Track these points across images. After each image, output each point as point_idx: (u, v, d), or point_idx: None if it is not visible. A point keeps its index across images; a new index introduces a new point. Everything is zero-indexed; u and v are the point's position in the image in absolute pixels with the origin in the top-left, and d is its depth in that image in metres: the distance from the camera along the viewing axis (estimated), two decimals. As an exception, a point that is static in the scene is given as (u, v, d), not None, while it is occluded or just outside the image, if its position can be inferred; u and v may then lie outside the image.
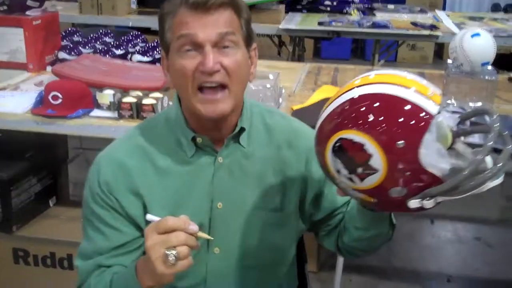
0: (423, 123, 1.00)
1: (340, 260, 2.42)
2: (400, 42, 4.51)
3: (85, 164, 3.56)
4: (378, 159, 1.01)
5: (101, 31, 3.13)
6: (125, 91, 2.24)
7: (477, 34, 2.21)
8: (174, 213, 1.16)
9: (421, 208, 1.05)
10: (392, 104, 1.01)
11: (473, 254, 3.07)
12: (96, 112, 2.19)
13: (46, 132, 2.18)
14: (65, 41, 2.91)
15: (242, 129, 1.28)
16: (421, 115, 1.00)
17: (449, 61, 2.30)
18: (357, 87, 1.05)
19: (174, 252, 1.03)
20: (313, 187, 1.36)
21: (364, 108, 1.02)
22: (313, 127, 1.93)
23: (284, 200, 1.33)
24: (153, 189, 1.26)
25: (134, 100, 2.13)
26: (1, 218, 2.46)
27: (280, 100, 2.30)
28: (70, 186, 2.97)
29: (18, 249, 2.50)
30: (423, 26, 3.68)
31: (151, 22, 3.90)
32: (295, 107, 2.20)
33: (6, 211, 2.45)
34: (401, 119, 1.00)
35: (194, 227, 1.07)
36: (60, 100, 2.14)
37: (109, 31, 3.19)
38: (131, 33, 3.07)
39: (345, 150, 1.04)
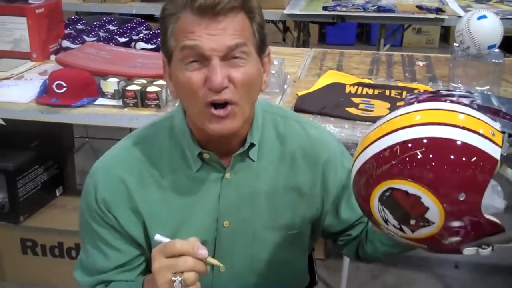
0: (487, 172, 0.90)
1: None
2: (405, 26, 4.48)
3: (91, 152, 3.57)
4: (435, 212, 0.90)
5: (104, 19, 3.11)
6: (129, 79, 2.23)
7: (484, 16, 2.19)
8: (177, 231, 1.16)
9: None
10: (450, 151, 0.90)
11: (481, 239, 3.06)
12: (100, 101, 2.18)
13: (51, 121, 2.17)
14: (68, 29, 2.90)
15: (251, 145, 1.19)
16: (484, 163, 0.90)
17: (456, 44, 2.28)
18: (407, 127, 0.94)
19: (180, 278, 0.99)
20: (330, 200, 1.28)
21: (420, 156, 0.90)
22: (318, 113, 1.95)
23: (295, 218, 1.26)
24: (154, 207, 1.18)
25: (138, 88, 2.12)
26: (8, 208, 2.48)
27: (285, 86, 2.29)
28: (77, 175, 2.98)
29: (26, 239, 2.52)
30: (428, 9, 3.64)
31: (155, 9, 3.88)
32: (300, 93, 2.19)
33: (13, 201, 2.46)
34: (463, 170, 0.89)
35: (203, 251, 1.01)
36: (64, 89, 2.13)
37: (112, 18, 3.18)
38: (135, 21, 3.06)
39: (396, 201, 0.93)
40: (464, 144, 0.90)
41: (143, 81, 2.19)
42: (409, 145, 0.91)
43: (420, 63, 2.65)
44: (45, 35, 2.66)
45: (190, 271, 0.99)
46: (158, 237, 1.06)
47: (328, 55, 2.83)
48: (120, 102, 2.14)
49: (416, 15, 3.60)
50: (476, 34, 2.13)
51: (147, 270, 1.23)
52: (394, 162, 0.92)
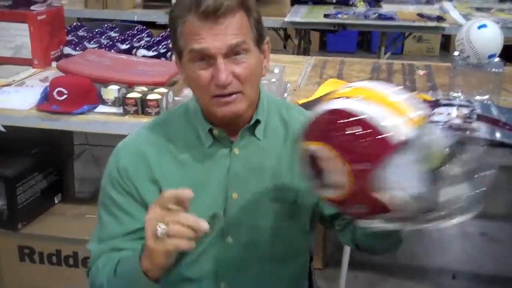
0: (389, 147, 0.99)
1: (346, 257, 2.41)
2: (406, 34, 4.49)
3: (91, 160, 3.57)
4: (343, 177, 1.02)
5: (106, 25, 3.12)
6: (130, 86, 2.23)
7: (484, 26, 2.19)
8: (191, 203, 1.17)
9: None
10: (361, 124, 1.01)
11: (479, 250, 3.06)
12: (101, 108, 2.19)
13: (51, 128, 2.18)
14: (70, 36, 2.91)
15: (257, 121, 1.31)
16: (389, 138, 1.00)
17: (456, 53, 2.28)
18: (341, 98, 1.06)
19: (163, 226, 1.02)
20: None
21: (337, 124, 1.03)
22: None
23: (298, 194, 1.35)
24: (170, 178, 1.29)
25: (139, 95, 2.13)
26: (7, 215, 2.47)
27: (285, 94, 2.29)
28: (76, 183, 2.97)
29: (24, 246, 2.51)
30: (429, 18, 3.65)
31: (157, 16, 3.90)
32: (300, 102, 2.19)
33: (11, 208, 2.45)
34: (367, 141, 1.00)
35: (185, 195, 1.06)
36: (65, 96, 2.14)
37: (114, 25, 3.18)
38: (136, 28, 3.06)
39: (315, 159, 1.06)
40: (371, 119, 1.01)
41: (144, 88, 2.20)
42: (334, 114, 1.04)
43: (421, 72, 2.66)
44: (46, 41, 2.67)
45: (175, 223, 1.04)
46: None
47: (329, 63, 2.83)
48: (120, 110, 2.15)
49: (417, 23, 3.61)
50: (476, 43, 2.14)
51: None
52: (320, 127, 1.07)
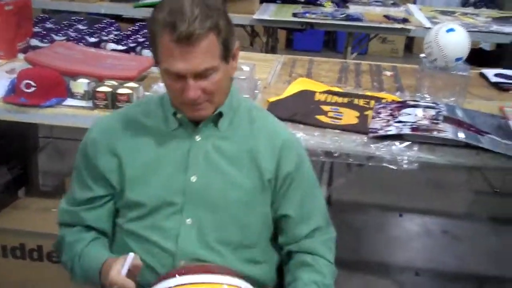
0: None
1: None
2: (372, 35, 4.54)
3: (55, 153, 3.51)
4: None
5: (74, 18, 3.08)
6: (100, 80, 2.21)
7: (452, 30, 2.24)
8: (149, 177, 1.38)
9: None
10: None
11: (441, 247, 3.13)
12: (69, 101, 2.16)
13: (19, 121, 2.14)
14: (37, 27, 2.86)
15: (220, 114, 1.40)
16: None
17: (423, 55, 2.33)
18: None
19: None
20: (277, 189, 1.43)
21: None
22: (289, 119, 1.98)
23: (255, 184, 1.40)
24: (131, 152, 1.40)
25: (109, 89, 2.11)
26: (-29, 208, 2.43)
27: (256, 91, 2.30)
28: (40, 176, 2.93)
29: (-14, 239, 2.46)
30: (395, 19, 3.71)
31: (124, 9, 3.85)
32: (271, 99, 2.21)
33: (-25, 201, 2.41)
34: None
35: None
36: (33, 89, 2.10)
37: (82, 18, 3.14)
38: (105, 21, 3.03)
39: None
40: None
41: (114, 82, 2.18)
42: None
43: (388, 73, 2.70)
44: (13, 32, 2.61)
45: None
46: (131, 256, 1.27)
47: (298, 62, 2.86)
48: (90, 103, 2.13)
49: (383, 25, 3.66)
50: (445, 47, 2.19)
51: (113, 212, 1.47)
52: None
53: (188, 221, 1.39)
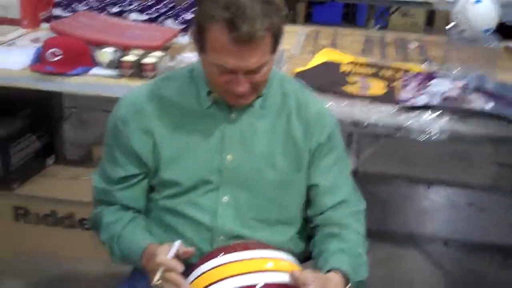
0: None
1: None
2: (393, 9, 4.49)
3: (79, 123, 3.53)
4: None
5: (96, -13, 3.06)
6: (125, 49, 2.21)
7: (479, 1, 2.21)
8: (184, 157, 1.35)
9: None
10: None
11: (467, 219, 3.13)
12: (95, 70, 2.16)
13: (45, 90, 2.15)
14: (59, -3, 2.85)
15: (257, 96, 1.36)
16: None
17: (451, 27, 2.30)
18: (220, 280, 1.16)
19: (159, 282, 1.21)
20: (309, 160, 1.41)
21: None
22: (316, 89, 1.96)
23: (291, 162, 1.39)
24: (166, 132, 1.36)
25: (135, 58, 2.11)
26: (1, 175, 2.45)
27: (282, 63, 2.29)
28: (66, 146, 2.95)
29: (19, 207, 2.50)
30: (418, -8, 3.66)
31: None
32: (297, 70, 2.19)
33: (5, 168, 2.44)
34: None
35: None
36: (59, 57, 2.11)
37: (104, -13, 3.12)
38: (127, -9, 3.00)
39: None
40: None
41: (140, 52, 2.18)
42: None
43: (413, 45, 2.67)
44: (35, 2, 2.61)
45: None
46: (177, 243, 1.26)
47: (321, 33, 2.83)
48: (115, 72, 2.13)
49: (406, -2, 3.61)
50: (472, 18, 2.16)
51: (147, 189, 1.44)
52: None
53: (225, 199, 1.38)
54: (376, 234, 2.87)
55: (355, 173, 3.29)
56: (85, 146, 2.83)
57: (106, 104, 1.45)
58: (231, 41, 1.16)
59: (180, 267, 1.20)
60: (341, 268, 1.27)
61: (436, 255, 2.75)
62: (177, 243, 1.25)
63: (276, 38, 1.23)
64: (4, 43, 2.40)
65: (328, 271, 1.27)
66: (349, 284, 1.27)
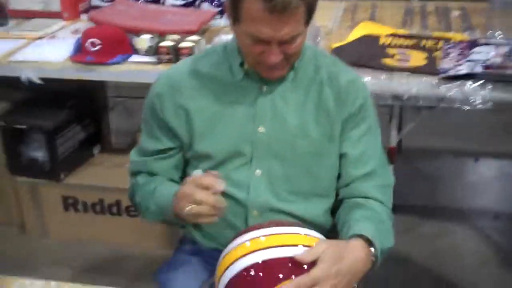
0: None
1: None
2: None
3: (124, 112, 3.59)
4: None
5: (133, -24, 3.08)
6: (162, 35, 2.22)
7: (523, -38, 2.13)
8: (216, 129, 1.38)
9: None
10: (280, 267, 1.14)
11: (516, 191, 3.04)
12: (134, 58, 2.19)
13: (87, 79, 2.19)
14: (97, -13, 2.89)
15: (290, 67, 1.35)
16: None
17: (494, -9, 2.23)
18: (253, 252, 1.16)
19: (190, 207, 1.20)
20: (340, 129, 1.40)
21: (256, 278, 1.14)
22: (353, 63, 1.93)
23: (323, 132, 1.38)
24: (198, 105, 1.38)
25: (172, 43, 2.12)
26: (49, 166, 2.52)
27: (318, 39, 2.26)
28: (112, 135, 3.00)
29: (68, 196, 2.57)
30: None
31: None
32: (334, 45, 2.17)
33: (53, 159, 2.50)
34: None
35: (219, 187, 1.20)
36: (98, 47, 2.14)
37: (141, -24, 3.14)
38: (163, -23, 3.02)
39: None
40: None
41: (176, 37, 2.19)
42: (250, 269, 1.15)
43: (456, 13, 2.60)
44: (75, -7, 2.65)
45: (202, 205, 1.20)
46: (196, 172, 1.27)
47: (360, 7, 2.78)
48: (154, 59, 2.15)
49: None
50: (515, -20, 2.08)
51: (183, 163, 1.47)
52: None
53: (258, 172, 1.38)
54: (425, 210, 2.83)
55: (399, 148, 3.24)
56: (130, 134, 2.86)
57: (148, 92, 1.47)
58: (265, 10, 1.16)
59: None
60: (364, 233, 1.25)
61: (486, 229, 2.68)
62: (198, 172, 1.27)
63: (310, 10, 1.23)
64: (46, 36, 2.45)
65: (351, 238, 1.25)
66: (373, 251, 1.24)
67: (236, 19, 1.24)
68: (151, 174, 1.47)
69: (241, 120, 1.37)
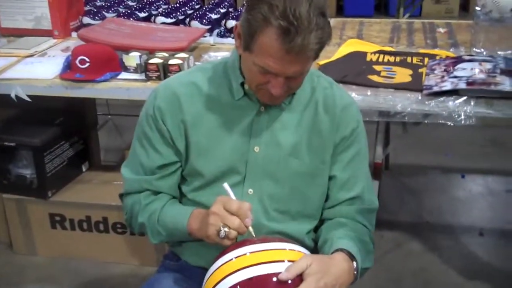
0: None
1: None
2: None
3: (114, 130, 3.60)
4: None
5: (123, -6, 3.11)
6: (151, 52, 2.24)
7: (506, -20, 2.16)
8: (212, 147, 1.38)
9: None
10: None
11: (505, 207, 3.04)
12: (123, 75, 2.20)
13: (76, 97, 2.20)
14: (88, 6, 2.91)
15: None
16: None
17: (478, 8, 2.26)
18: (240, 269, 1.17)
19: (226, 229, 1.22)
20: (332, 155, 1.42)
21: None
22: (340, 81, 1.95)
23: (316, 154, 1.40)
24: (196, 121, 1.39)
25: (160, 61, 2.13)
26: (37, 184, 2.51)
27: (306, 56, 2.28)
28: (101, 152, 3.00)
29: (55, 214, 2.56)
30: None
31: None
32: (321, 62, 2.19)
33: (40, 176, 2.49)
34: None
35: (249, 221, 1.23)
36: (87, 64, 2.15)
37: (131, -6, 3.17)
38: (154, -4, 3.05)
39: None
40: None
41: (165, 54, 2.21)
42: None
43: (441, 30, 2.63)
44: (65, 12, 2.67)
45: (234, 229, 1.22)
46: (226, 185, 1.28)
47: (348, 24, 2.81)
48: (143, 76, 2.16)
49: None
50: (499, -2, 2.11)
51: (181, 179, 1.46)
52: None
53: (250, 191, 1.40)
54: (411, 225, 2.84)
55: (385, 165, 3.25)
56: (119, 152, 2.88)
57: (138, 110, 1.47)
58: (281, 49, 1.17)
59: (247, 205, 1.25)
60: (346, 247, 1.27)
61: (473, 245, 2.70)
62: (227, 187, 1.28)
63: (321, 49, 1.23)
64: (37, 54, 2.47)
65: (333, 253, 1.26)
66: (355, 266, 1.25)
67: (248, 47, 1.24)
68: (155, 192, 1.45)
69: (237, 139, 1.39)
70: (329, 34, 1.21)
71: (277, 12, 1.15)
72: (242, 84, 1.37)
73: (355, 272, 1.25)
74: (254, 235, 1.24)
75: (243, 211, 1.23)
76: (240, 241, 1.25)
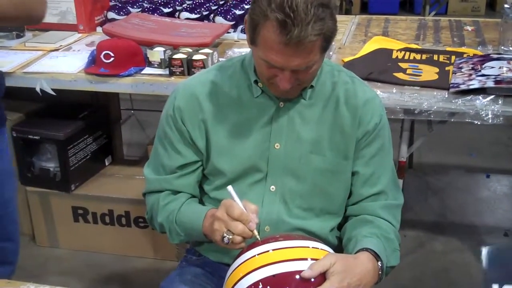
0: None
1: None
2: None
3: (137, 125, 3.62)
4: None
5: (148, -10, 3.11)
6: (175, 48, 2.24)
7: (536, -23, 2.12)
8: (233, 145, 1.37)
9: None
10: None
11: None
12: (147, 70, 2.20)
13: (100, 91, 2.21)
14: (113, 1, 2.92)
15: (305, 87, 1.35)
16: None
17: (506, 6, 2.22)
18: (263, 266, 1.15)
19: (229, 236, 1.21)
20: (355, 150, 1.40)
21: None
22: (365, 78, 1.93)
23: (338, 150, 1.38)
24: (216, 120, 1.38)
25: (184, 56, 2.13)
26: (60, 177, 2.53)
27: (331, 53, 2.27)
28: (124, 147, 3.02)
29: (77, 207, 2.58)
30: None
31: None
32: (346, 59, 2.17)
33: (64, 170, 2.52)
34: None
35: (253, 224, 1.21)
36: (112, 59, 2.16)
37: (156, -11, 3.17)
38: (178, -9, 3.05)
39: None
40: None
41: (189, 49, 2.20)
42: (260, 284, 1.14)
43: (469, 28, 2.59)
44: (90, 7, 2.68)
45: (238, 234, 1.20)
46: (230, 188, 1.24)
47: (373, 21, 2.78)
48: (166, 71, 2.16)
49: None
50: (528, -5, 2.07)
51: (201, 176, 1.46)
52: None
53: (272, 188, 1.39)
54: (435, 225, 2.80)
55: (409, 163, 3.21)
56: (142, 146, 2.89)
57: (161, 105, 1.46)
58: (280, 42, 1.16)
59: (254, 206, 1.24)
60: (371, 247, 1.25)
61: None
62: (231, 190, 1.24)
63: (327, 41, 1.21)
64: (62, 48, 2.48)
65: (358, 252, 1.25)
66: (380, 265, 1.23)
67: (253, 41, 1.24)
68: (174, 192, 1.45)
69: (258, 136, 1.38)
70: (332, 26, 1.19)
71: (273, 5, 1.15)
72: (257, 82, 1.36)
73: (380, 272, 1.23)
74: (259, 238, 1.22)
75: (245, 216, 1.20)
76: (264, 238, 1.24)
